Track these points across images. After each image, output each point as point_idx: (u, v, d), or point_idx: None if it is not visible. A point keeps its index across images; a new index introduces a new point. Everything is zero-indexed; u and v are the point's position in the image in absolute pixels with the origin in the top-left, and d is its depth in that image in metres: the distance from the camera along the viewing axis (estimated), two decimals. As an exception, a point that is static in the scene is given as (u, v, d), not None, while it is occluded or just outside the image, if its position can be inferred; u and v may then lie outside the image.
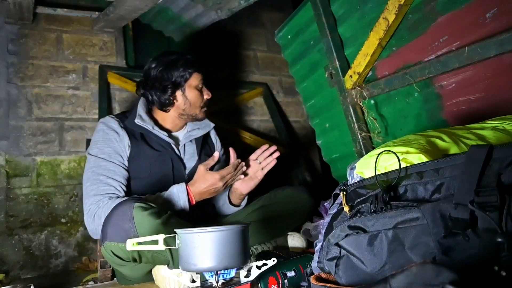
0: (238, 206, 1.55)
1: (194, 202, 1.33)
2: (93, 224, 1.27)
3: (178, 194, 1.31)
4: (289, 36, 1.90)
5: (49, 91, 1.99)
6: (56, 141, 1.96)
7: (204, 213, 1.51)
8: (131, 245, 0.94)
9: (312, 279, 0.81)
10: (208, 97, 1.52)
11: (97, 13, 2.09)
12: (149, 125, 1.44)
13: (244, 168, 1.41)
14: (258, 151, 1.47)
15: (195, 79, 1.48)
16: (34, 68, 1.98)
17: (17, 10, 1.84)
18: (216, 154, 1.35)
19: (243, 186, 1.47)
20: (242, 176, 1.43)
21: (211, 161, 1.34)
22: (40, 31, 2.03)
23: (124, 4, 1.81)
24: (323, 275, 0.82)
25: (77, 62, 2.08)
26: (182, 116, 1.51)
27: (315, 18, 1.64)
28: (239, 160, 1.38)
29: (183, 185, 1.32)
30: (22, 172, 1.87)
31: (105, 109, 2.03)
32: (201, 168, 1.33)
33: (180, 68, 1.46)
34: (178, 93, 1.48)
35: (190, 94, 1.48)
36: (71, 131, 2.00)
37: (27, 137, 1.91)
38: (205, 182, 1.32)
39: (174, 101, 1.48)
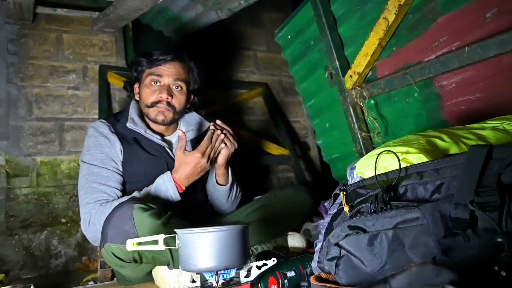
0: (225, 184, 1.51)
1: (183, 189, 1.32)
2: (90, 232, 1.27)
3: (165, 184, 1.30)
4: (289, 36, 1.90)
5: (49, 91, 1.99)
6: (56, 141, 1.96)
7: (203, 213, 1.51)
8: (131, 245, 0.94)
9: (312, 279, 0.81)
10: (161, 98, 1.42)
11: (97, 13, 2.09)
12: (141, 129, 1.42)
13: (222, 136, 1.36)
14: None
15: (147, 75, 1.45)
16: (34, 68, 1.98)
17: (17, 10, 1.84)
18: (180, 133, 1.32)
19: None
20: (223, 145, 1.38)
21: (181, 143, 1.31)
22: (40, 31, 2.03)
23: (124, 4, 1.81)
24: (323, 275, 0.82)
25: (77, 62, 2.08)
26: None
27: (315, 18, 1.65)
28: (213, 130, 1.35)
29: (168, 174, 1.31)
30: (22, 172, 1.87)
31: (105, 109, 2.03)
32: (178, 153, 1.31)
33: (143, 60, 1.45)
34: (136, 86, 1.51)
35: (142, 89, 1.46)
36: (71, 131, 2.00)
37: (27, 137, 1.91)
38: (187, 165, 1.30)
39: (135, 95, 1.51)
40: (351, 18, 1.54)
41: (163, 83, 1.43)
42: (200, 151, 1.30)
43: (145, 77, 1.45)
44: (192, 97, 1.56)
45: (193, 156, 1.30)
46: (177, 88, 1.45)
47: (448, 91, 1.26)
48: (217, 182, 1.51)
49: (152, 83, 1.43)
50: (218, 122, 1.40)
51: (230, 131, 1.41)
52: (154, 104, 1.43)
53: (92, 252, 1.90)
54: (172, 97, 1.43)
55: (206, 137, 1.33)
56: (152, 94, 1.43)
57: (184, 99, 1.47)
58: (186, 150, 1.32)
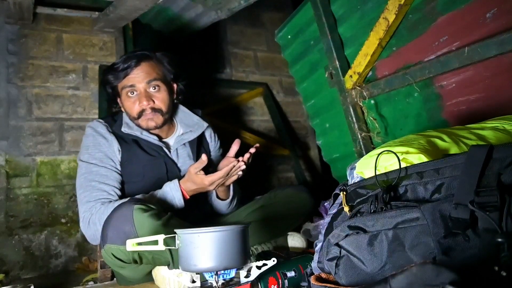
0: (224, 199, 1.50)
1: (188, 197, 1.32)
2: (89, 231, 1.27)
3: (172, 192, 1.30)
4: (289, 36, 1.90)
5: (49, 91, 1.99)
6: (56, 141, 1.96)
7: (203, 213, 1.51)
8: (131, 245, 0.94)
9: (312, 279, 0.81)
10: (143, 107, 1.38)
11: (97, 13, 2.09)
12: (137, 132, 1.41)
13: (243, 166, 1.29)
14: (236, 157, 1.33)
15: (121, 89, 1.41)
16: (34, 68, 1.98)
17: (17, 10, 1.84)
18: (204, 158, 1.23)
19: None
20: (241, 173, 1.33)
21: (199, 165, 1.24)
22: (40, 31, 2.03)
23: (124, 4, 1.81)
24: (323, 275, 0.82)
25: (77, 62, 2.08)
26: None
27: (315, 18, 1.65)
28: (235, 164, 1.27)
29: (176, 183, 1.31)
30: (22, 172, 1.87)
31: (105, 109, 2.03)
32: (190, 170, 1.28)
33: (110, 77, 1.41)
34: (119, 101, 1.47)
35: (123, 103, 1.43)
36: (71, 131, 2.00)
37: (27, 137, 1.91)
38: (194, 184, 1.29)
39: (122, 108, 1.47)
40: (351, 18, 1.54)
41: (139, 90, 1.39)
42: (210, 181, 1.26)
43: (120, 91, 1.42)
44: (176, 86, 1.51)
45: (201, 180, 1.27)
46: (154, 89, 1.40)
47: (448, 91, 1.26)
48: (217, 196, 1.50)
49: (129, 94, 1.39)
50: (252, 150, 1.31)
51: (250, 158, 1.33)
52: (140, 115, 1.40)
53: (92, 252, 1.90)
54: (153, 101, 1.40)
55: (224, 170, 1.25)
56: (133, 106, 1.39)
57: (166, 95, 1.43)
58: (200, 172, 1.26)
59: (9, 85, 1.91)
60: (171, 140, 1.51)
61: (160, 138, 1.48)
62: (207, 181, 1.26)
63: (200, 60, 2.53)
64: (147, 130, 1.43)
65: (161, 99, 1.41)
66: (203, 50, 2.53)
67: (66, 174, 1.94)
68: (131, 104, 1.40)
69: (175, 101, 1.52)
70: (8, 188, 1.82)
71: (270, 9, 2.83)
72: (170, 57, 1.49)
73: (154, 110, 1.40)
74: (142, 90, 1.39)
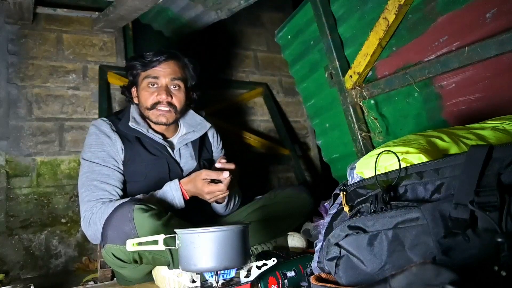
0: (220, 202, 1.48)
1: (188, 198, 1.32)
2: (90, 230, 1.27)
3: (172, 192, 1.30)
4: (289, 36, 1.90)
5: (49, 91, 1.99)
6: (56, 141, 1.96)
7: (203, 214, 1.51)
8: (131, 245, 0.95)
9: (312, 279, 0.81)
10: (160, 99, 1.41)
11: (97, 13, 2.09)
12: (143, 128, 1.42)
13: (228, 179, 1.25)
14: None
15: (143, 78, 1.44)
16: (34, 68, 1.98)
17: (17, 10, 1.84)
18: (226, 175, 1.21)
19: None
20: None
21: (215, 175, 1.23)
22: (40, 31, 2.03)
23: (124, 4, 1.81)
24: (323, 275, 0.82)
25: (77, 62, 2.08)
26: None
27: (315, 18, 1.65)
28: (229, 179, 1.23)
29: (176, 183, 1.31)
30: (22, 172, 1.87)
31: (105, 109, 2.03)
32: (202, 173, 1.26)
33: (137, 63, 1.44)
34: (134, 90, 1.50)
35: (140, 92, 1.46)
36: (71, 131, 2.00)
37: (27, 137, 1.91)
38: (194, 187, 1.28)
39: (134, 99, 1.50)
40: (351, 18, 1.54)
41: (161, 84, 1.42)
42: (209, 190, 1.25)
43: (141, 80, 1.45)
44: (191, 93, 1.55)
45: (202, 189, 1.25)
46: (175, 87, 1.45)
47: (448, 91, 1.26)
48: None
49: (150, 85, 1.42)
50: (218, 165, 1.27)
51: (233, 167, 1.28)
52: (154, 106, 1.42)
53: (92, 252, 1.90)
54: (171, 97, 1.43)
55: (225, 183, 1.23)
56: (151, 96, 1.42)
57: (184, 97, 1.46)
58: (210, 180, 1.24)
59: (9, 85, 1.91)
60: (174, 140, 1.52)
61: (164, 138, 1.48)
62: (207, 189, 1.25)
63: (200, 60, 2.53)
64: (156, 124, 1.45)
65: (179, 98, 1.45)
66: (203, 50, 2.53)
67: (66, 174, 1.94)
68: (148, 94, 1.43)
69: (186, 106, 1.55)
70: (8, 188, 1.82)
71: (270, 9, 2.83)
72: (196, 65, 1.54)
73: (170, 105, 1.43)
74: (164, 84, 1.43)
